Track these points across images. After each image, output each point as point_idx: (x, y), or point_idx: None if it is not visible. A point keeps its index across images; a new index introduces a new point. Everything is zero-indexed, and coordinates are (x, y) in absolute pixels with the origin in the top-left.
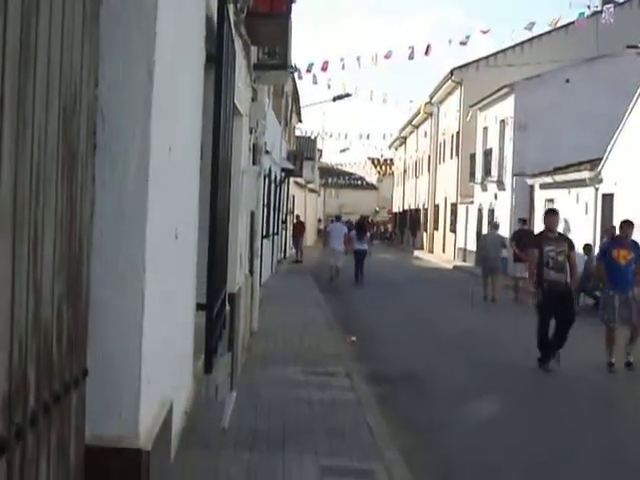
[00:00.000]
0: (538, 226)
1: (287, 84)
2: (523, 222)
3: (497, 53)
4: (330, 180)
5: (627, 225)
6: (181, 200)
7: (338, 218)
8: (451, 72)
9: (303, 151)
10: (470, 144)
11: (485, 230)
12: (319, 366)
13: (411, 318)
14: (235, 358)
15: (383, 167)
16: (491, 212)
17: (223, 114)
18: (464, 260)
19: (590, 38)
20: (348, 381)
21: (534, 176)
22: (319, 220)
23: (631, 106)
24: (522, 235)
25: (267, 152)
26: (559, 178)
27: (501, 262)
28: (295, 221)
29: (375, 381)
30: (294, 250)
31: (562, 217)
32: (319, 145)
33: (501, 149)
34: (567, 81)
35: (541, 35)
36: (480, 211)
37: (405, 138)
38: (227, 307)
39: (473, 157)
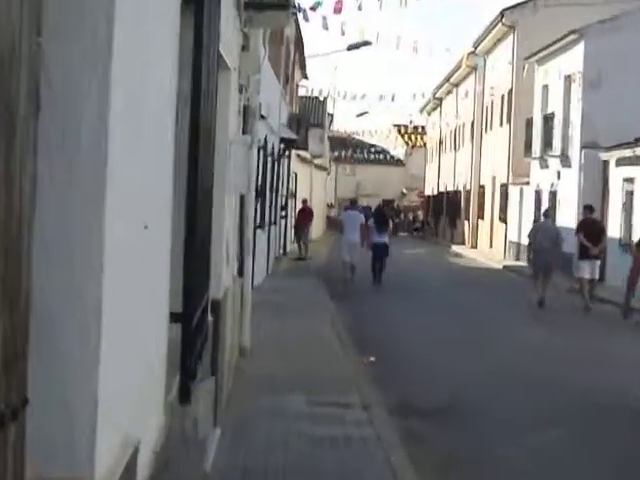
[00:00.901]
0: (613, 214)
1: (288, 28)
2: (589, 210)
3: None
4: (344, 154)
5: None
6: (151, 179)
7: (353, 203)
8: (501, 14)
9: (309, 116)
10: (526, 107)
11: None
12: (328, 394)
13: (446, 333)
14: (220, 384)
15: (412, 137)
16: (552, 195)
17: (205, 67)
18: (517, 258)
19: None
20: (365, 414)
21: (609, 149)
22: (329, 205)
23: None
24: (588, 226)
25: (262, 117)
26: None
27: (559, 259)
28: (299, 207)
29: (400, 413)
30: (297, 244)
31: None
32: (329, 108)
33: (566, 114)
34: None
35: None
36: (538, 194)
37: (441, 100)
38: (210, 317)
39: (529, 124)
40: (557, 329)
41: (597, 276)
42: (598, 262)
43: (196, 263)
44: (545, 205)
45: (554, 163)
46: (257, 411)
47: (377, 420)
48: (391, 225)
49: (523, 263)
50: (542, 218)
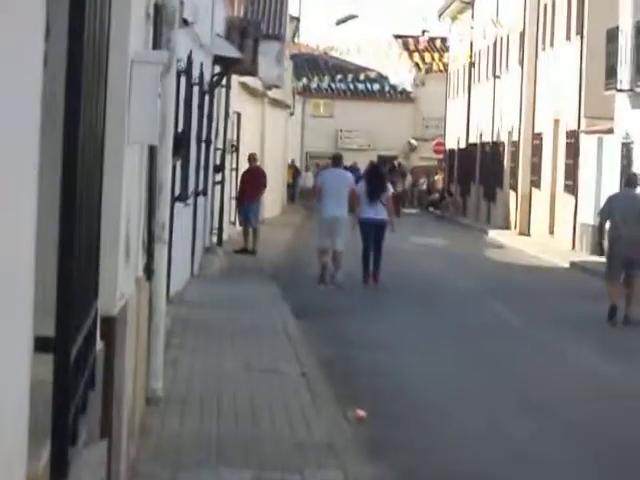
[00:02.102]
0: None
1: None
2: None
3: None
4: (316, 82)
5: None
6: (5, 118)
7: (337, 160)
8: None
9: (259, 22)
10: (607, 11)
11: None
12: (291, 469)
13: (473, 376)
14: (115, 452)
15: (426, 57)
16: None
17: None
18: (593, 251)
19: None
20: None
21: None
22: (291, 166)
23: None
24: None
25: (185, 23)
26: None
27: None
28: (244, 168)
29: None
30: (241, 228)
31: None
32: (293, 10)
33: None
34: None
35: None
36: (627, 148)
37: None
38: (99, 345)
39: (613, 38)
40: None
41: None
42: None
43: (77, 260)
44: (639, 164)
45: None
46: None
47: None
48: (390, 192)
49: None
50: (623, 187)
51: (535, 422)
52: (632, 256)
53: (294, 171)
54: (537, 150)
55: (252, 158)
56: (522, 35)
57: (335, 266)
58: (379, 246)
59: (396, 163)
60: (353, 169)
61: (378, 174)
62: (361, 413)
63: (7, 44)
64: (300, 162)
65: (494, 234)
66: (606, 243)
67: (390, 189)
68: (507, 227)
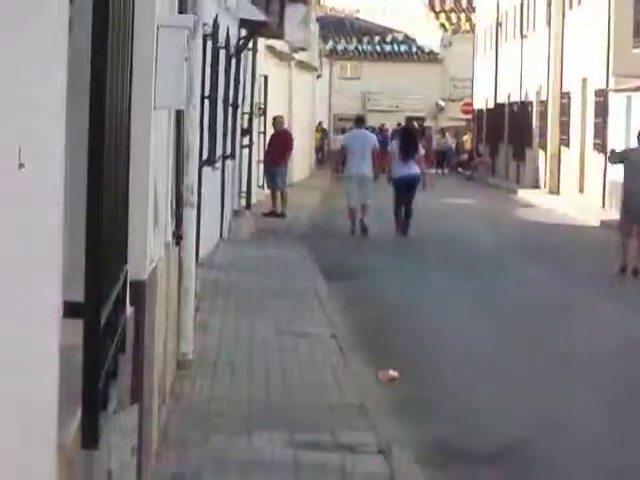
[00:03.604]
0: None
1: None
2: None
3: None
4: (343, 45)
5: None
6: (29, 92)
7: (360, 121)
8: None
9: None
10: None
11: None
12: (322, 431)
13: (507, 329)
14: (147, 417)
15: (453, 17)
16: None
17: None
18: None
19: None
20: (383, 461)
21: None
22: (319, 129)
23: None
24: None
25: None
26: None
27: None
28: (272, 132)
29: (440, 461)
30: (269, 191)
31: None
32: None
33: None
34: None
35: None
36: None
37: None
38: (129, 310)
39: None
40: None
41: None
42: None
43: (105, 225)
44: None
45: None
46: (206, 461)
47: (402, 470)
48: (422, 152)
49: None
50: (636, 142)
51: (569, 386)
52: None
53: (322, 134)
54: (565, 109)
55: (277, 121)
56: None
57: (363, 214)
58: (410, 202)
59: (423, 125)
60: (381, 130)
61: (410, 134)
62: (393, 374)
63: (33, 8)
64: (328, 124)
65: (523, 193)
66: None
67: (422, 150)
68: (536, 186)
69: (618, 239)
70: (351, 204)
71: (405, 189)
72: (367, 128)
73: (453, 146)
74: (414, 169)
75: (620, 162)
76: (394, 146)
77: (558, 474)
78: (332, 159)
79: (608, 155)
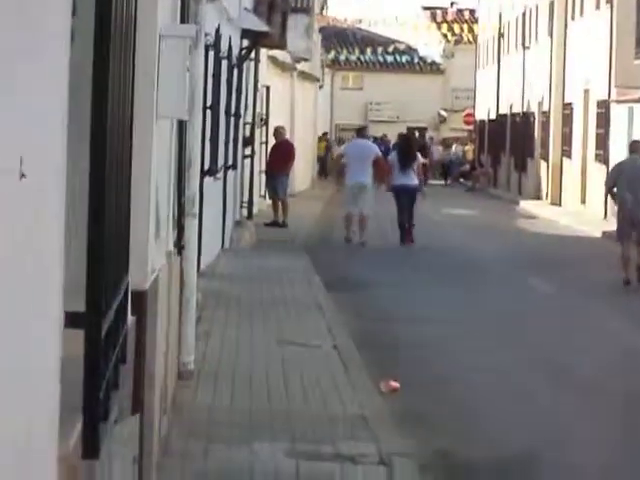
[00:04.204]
0: None
1: None
2: None
3: None
4: (345, 55)
5: None
6: (29, 98)
7: (361, 132)
8: None
9: None
10: None
11: None
12: (323, 442)
13: (508, 340)
14: (147, 427)
15: (455, 28)
16: None
17: None
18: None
19: None
20: (385, 472)
21: None
22: (323, 139)
23: None
24: None
25: None
26: None
27: None
28: (274, 142)
29: (441, 472)
30: (270, 201)
31: None
32: None
33: None
34: None
35: None
36: None
37: None
38: (130, 319)
39: None
40: None
41: None
42: None
43: (107, 234)
44: None
45: None
46: (210, 469)
47: None
48: (421, 161)
49: None
50: (629, 154)
51: (569, 395)
52: (636, 221)
53: (327, 144)
54: (567, 120)
55: (278, 132)
56: (551, 5)
57: (361, 228)
58: (411, 210)
59: (427, 137)
60: (383, 140)
61: (408, 144)
62: (394, 384)
63: (35, 21)
64: (330, 134)
65: (525, 204)
66: (616, 207)
67: (420, 158)
68: (538, 197)
69: (619, 251)
70: (348, 211)
71: (405, 198)
72: (369, 138)
73: (460, 155)
74: (413, 179)
75: (616, 182)
76: (394, 156)
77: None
78: (335, 170)
79: (606, 179)
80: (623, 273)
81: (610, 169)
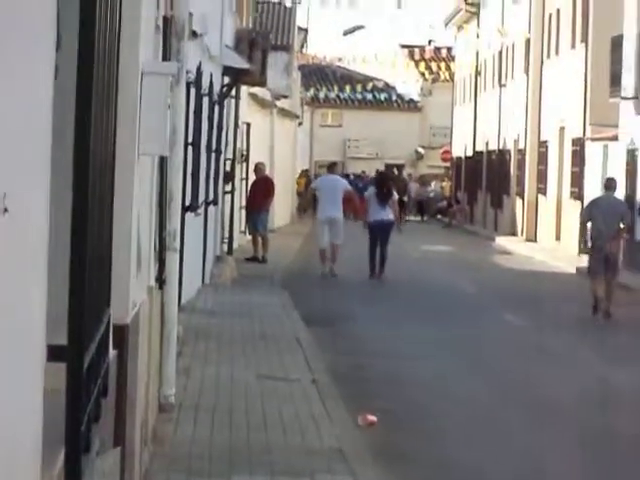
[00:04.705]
0: None
1: None
2: None
3: None
4: (325, 92)
5: None
6: (12, 130)
7: (331, 168)
8: None
9: (268, 33)
10: (611, 18)
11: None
12: (302, 475)
13: (484, 375)
14: (129, 460)
15: (432, 66)
16: None
17: None
18: (579, 250)
19: None
20: None
21: None
22: (304, 176)
23: None
24: None
25: (194, 35)
26: None
27: (618, 249)
28: (254, 178)
29: None
30: (250, 236)
31: None
32: (301, 21)
33: None
34: None
35: None
36: (633, 155)
37: (478, 6)
38: (111, 353)
39: (617, 45)
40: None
41: None
42: None
43: (89, 267)
44: None
45: None
46: None
47: None
48: (396, 197)
49: None
50: (604, 191)
51: (546, 429)
52: (607, 254)
53: (307, 180)
54: (543, 158)
55: (258, 168)
56: (527, 43)
57: (332, 258)
58: (385, 245)
59: (406, 174)
60: (360, 177)
61: (384, 180)
62: (371, 418)
63: (19, 57)
64: (310, 171)
65: (501, 241)
66: (589, 242)
67: (396, 195)
68: (514, 234)
69: (589, 283)
70: (321, 245)
71: (380, 233)
72: (347, 175)
73: (439, 192)
74: (389, 214)
75: (590, 216)
76: (371, 191)
77: None
78: (308, 200)
79: (581, 214)
80: (592, 301)
81: (585, 205)
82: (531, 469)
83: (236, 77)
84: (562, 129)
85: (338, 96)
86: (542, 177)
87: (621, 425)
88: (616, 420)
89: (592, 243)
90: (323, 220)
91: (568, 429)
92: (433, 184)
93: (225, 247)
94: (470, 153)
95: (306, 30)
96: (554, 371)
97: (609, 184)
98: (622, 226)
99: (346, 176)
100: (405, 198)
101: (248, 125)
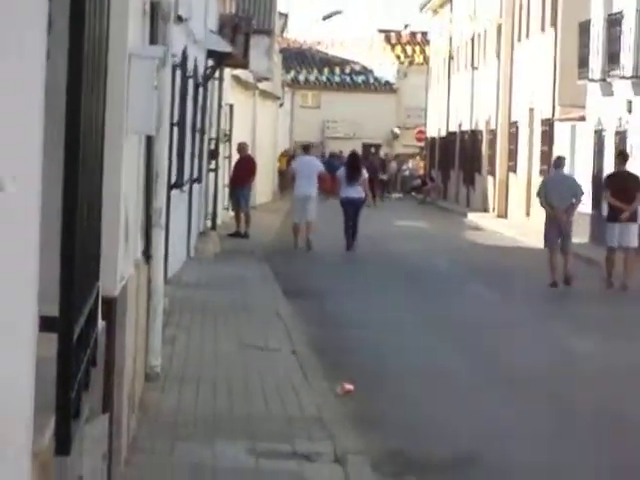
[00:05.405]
0: None
1: None
2: (621, 159)
3: None
4: (304, 75)
5: None
6: (6, 113)
7: (307, 149)
8: None
9: (250, 18)
10: (580, 4)
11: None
12: (282, 441)
13: (454, 344)
14: (117, 426)
15: (408, 50)
16: (621, 136)
17: None
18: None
19: None
20: (340, 470)
21: None
22: (285, 155)
23: None
24: (619, 181)
25: (180, 19)
26: None
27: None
28: (237, 156)
29: (394, 470)
30: (233, 213)
31: None
32: (282, 6)
33: None
34: None
35: None
36: (600, 135)
37: None
38: (100, 324)
39: (585, 29)
40: (581, 325)
41: (634, 244)
42: (634, 227)
43: (79, 242)
44: (611, 150)
45: (622, 88)
46: (174, 467)
47: (355, 479)
48: (366, 176)
49: (579, 239)
50: (554, 169)
51: (512, 397)
52: (565, 222)
53: (288, 159)
54: (513, 138)
55: (241, 148)
56: (499, 27)
57: (307, 232)
58: (356, 220)
59: (383, 154)
60: (335, 157)
61: (354, 160)
62: (349, 387)
63: (11, 39)
64: (290, 150)
65: (473, 217)
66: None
67: (365, 174)
68: (485, 210)
69: (547, 255)
70: (295, 220)
71: (351, 209)
72: (323, 155)
73: (407, 173)
74: (359, 192)
75: (545, 193)
76: (342, 171)
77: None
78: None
79: (537, 192)
80: (550, 275)
81: (541, 182)
82: (498, 429)
83: (219, 60)
84: (532, 110)
85: (317, 78)
86: (512, 156)
87: (579, 392)
88: (570, 389)
89: (546, 217)
90: (299, 197)
91: (538, 395)
92: (410, 163)
93: (209, 223)
94: (444, 133)
95: (286, 15)
96: (520, 341)
97: (559, 162)
98: (574, 200)
99: (322, 155)
100: (385, 177)
101: (231, 106)
